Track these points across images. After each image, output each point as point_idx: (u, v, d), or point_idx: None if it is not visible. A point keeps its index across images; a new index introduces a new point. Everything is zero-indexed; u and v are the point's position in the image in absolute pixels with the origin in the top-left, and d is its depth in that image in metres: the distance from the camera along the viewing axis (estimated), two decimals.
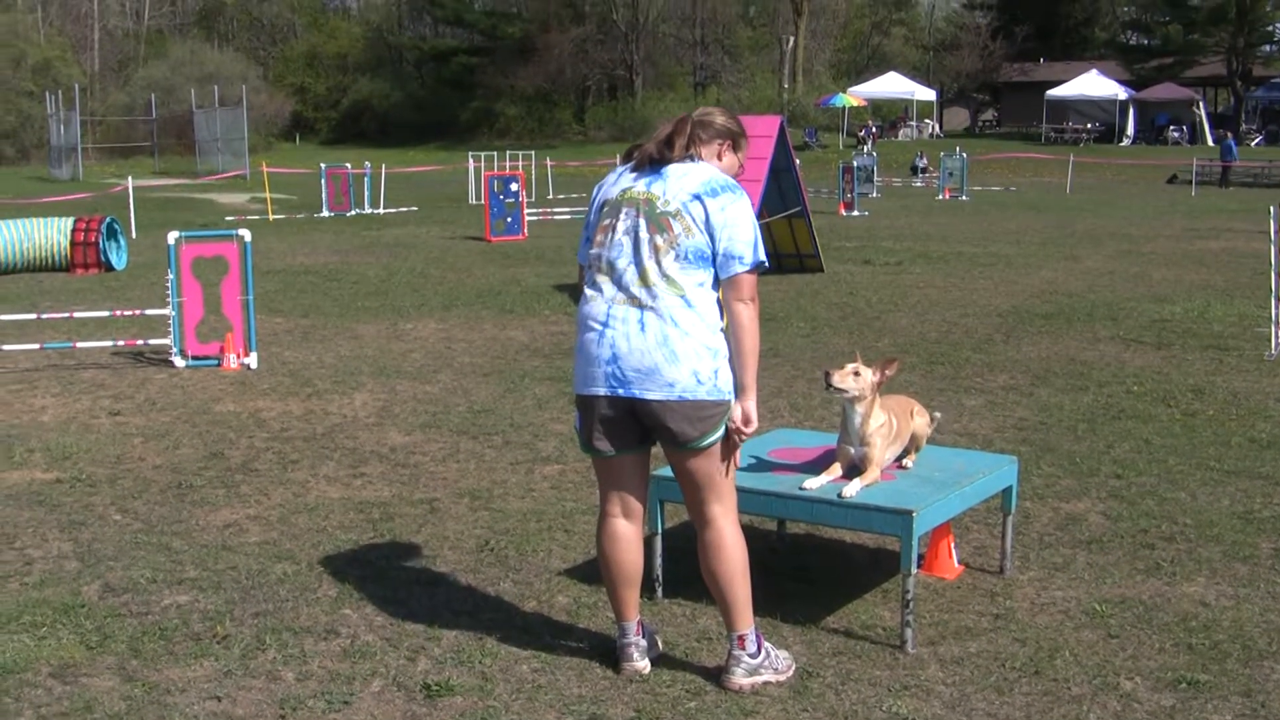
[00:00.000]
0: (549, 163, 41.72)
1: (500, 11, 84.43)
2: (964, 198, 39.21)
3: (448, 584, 6.25)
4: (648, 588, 5.99)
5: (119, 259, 20.98)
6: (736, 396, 5.01)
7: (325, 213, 33.67)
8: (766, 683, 5.08)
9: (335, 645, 5.51)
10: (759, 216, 15.88)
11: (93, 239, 20.31)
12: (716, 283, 4.92)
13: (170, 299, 12.24)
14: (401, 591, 6.17)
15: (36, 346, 12.61)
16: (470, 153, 40.56)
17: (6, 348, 12.53)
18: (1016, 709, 4.90)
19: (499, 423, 9.71)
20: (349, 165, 35.63)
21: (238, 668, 5.31)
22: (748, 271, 4.86)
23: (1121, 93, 64.69)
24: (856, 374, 5.69)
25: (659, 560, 5.98)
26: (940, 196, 39.96)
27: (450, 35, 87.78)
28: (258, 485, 8.06)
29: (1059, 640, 5.53)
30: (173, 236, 12.32)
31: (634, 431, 5.03)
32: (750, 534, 6.96)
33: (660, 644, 5.40)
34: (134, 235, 26.34)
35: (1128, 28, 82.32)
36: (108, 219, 21.21)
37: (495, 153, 40.65)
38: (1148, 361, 12.07)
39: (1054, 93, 65.77)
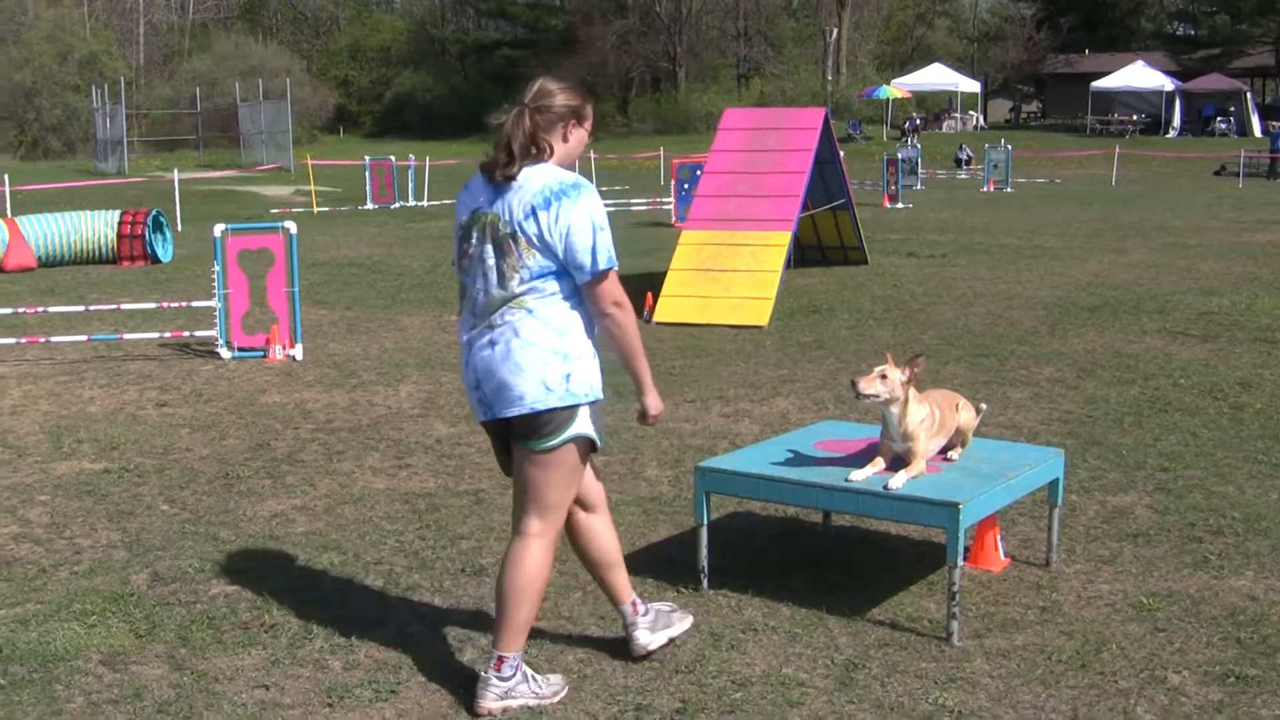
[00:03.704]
0: (592, 155, 41.67)
1: (543, 4, 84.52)
2: (1008, 190, 39.05)
3: (494, 574, 6.25)
4: (694, 578, 6.00)
5: (165, 251, 21.10)
6: (637, 396, 4.98)
7: (369, 205, 33.82)
8: (523, 705, 4.81)
9: (382, 635, 5.53)
10: (804, 208, 15.89)
11: (139, 231, 20.44)
12: (573, 287, 4.75)
13: (216, 291, 12.31)
14: (448, 582, 6.19)
15: (84, 338, 12.70)
16: None
17: (55, 339, 12.63)
18: (1063, 702, 4.88)
19: None
20: (393, 158, 35.76)
21: (285, 657, 5.34)
22: (594, 280, 4.70)
23: (1168, 84, 64.22)
24: (884, 377, 5.63)
25: (704, 551, 5.98)
26: (984, 189, 39.80)
27: (493, 28, 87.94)
28: (304, 476, 8.11)
29: (1105, 633, 5.51)
30: (218, 229, 12.39)
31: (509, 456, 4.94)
32: (796, 527, 6.99)
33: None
34: (179, 228, 26.48)
35: (1174, 18, 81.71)
36: (153, 212, 21.33)
37: None
38: (1195, 354, 12.00)
39: (1099, 84, 65.33)
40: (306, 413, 9.93)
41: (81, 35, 75.30)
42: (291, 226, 12.36)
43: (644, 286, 14.86)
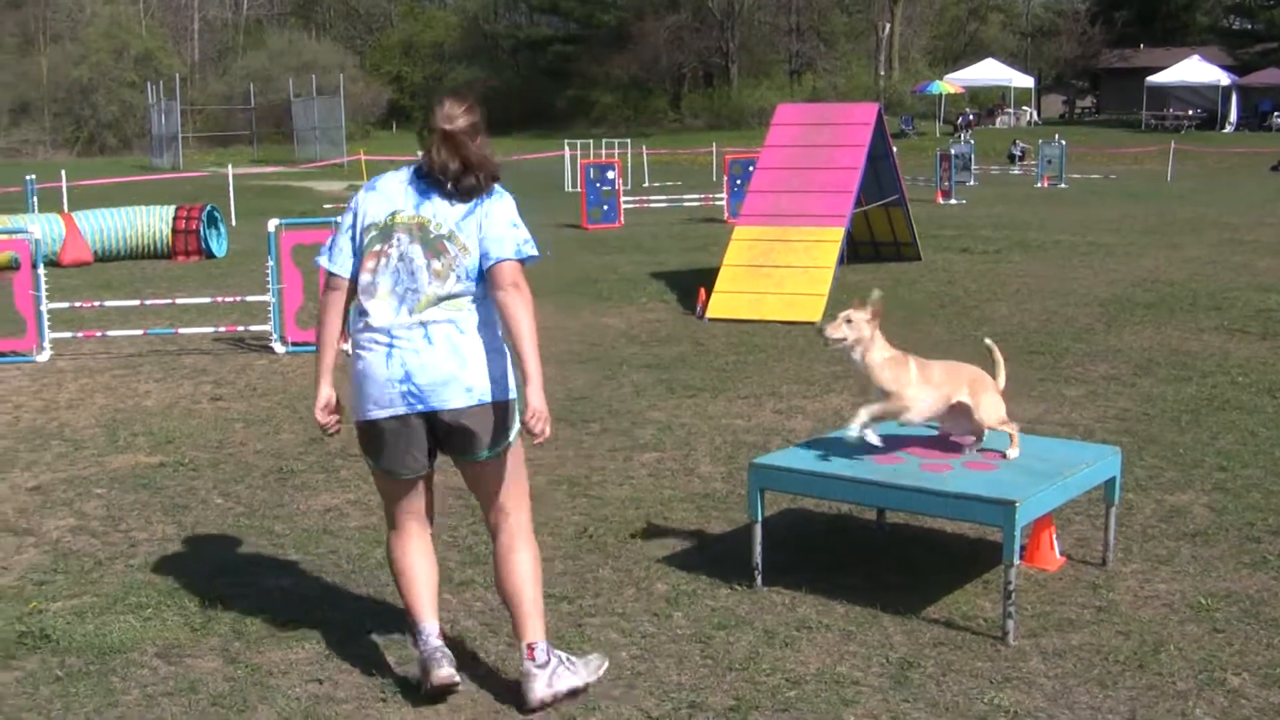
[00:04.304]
0: (645, 151, 41.67)
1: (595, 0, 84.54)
2: (1062, 186, 38.77)
3: (547, 570, 6.21)
4: (748, 575, 5.98)
5: (219, 246, 21.22)
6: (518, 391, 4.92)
7: None
8: (570, 689, 4.89)
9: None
10: (857, 204, 15.82)
11: (194, 226, 20.56)
12: None
13: (270, 286, 12.37)
14: None
15: (140, 332, 12.79)
16: (566, 141, 40.58)
17: (111, 333, 12.73)
18: (1120, 703, 4.84)
19: (596, 409, 9.73)
20: None
21: (338, 651, 5.36)
22: (508, 261, 4.80)
23: (1224, 78, 63.59)
24: (849, 321, 5.70)
25: (758, 549, 5.96)
26: (1038, 184, 39.53)
27: (545, 24, 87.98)
28: (357, 470, 8.12)
29: (1163, 634, 5.45)
30: (272, 224, 12.45)
31: (428, 447, 4.98)
32: (850, 523, 6.96)
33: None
34: (233, 223, 26.63)
35: (1230, 12, 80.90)
36: (208, 207, 21.47)
37: (591, 141, 40.59)
38: (1253, 352, 11.88)
39: (1154, 79, 64.78)
40: None
41: (137, 32, 75.89)
42: None
43: (697, 282, 14.85)
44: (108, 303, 14.07)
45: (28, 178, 27.50)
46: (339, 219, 5.16)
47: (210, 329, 12.92)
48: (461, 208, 4.82)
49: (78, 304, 13.49)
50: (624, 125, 69.20)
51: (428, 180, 4.90)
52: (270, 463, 8.39)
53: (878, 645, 5.35)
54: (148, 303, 14.33)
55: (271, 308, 12.37)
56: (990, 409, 5.98)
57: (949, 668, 5.13)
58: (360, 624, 5.63)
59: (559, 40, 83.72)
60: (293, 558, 6.55)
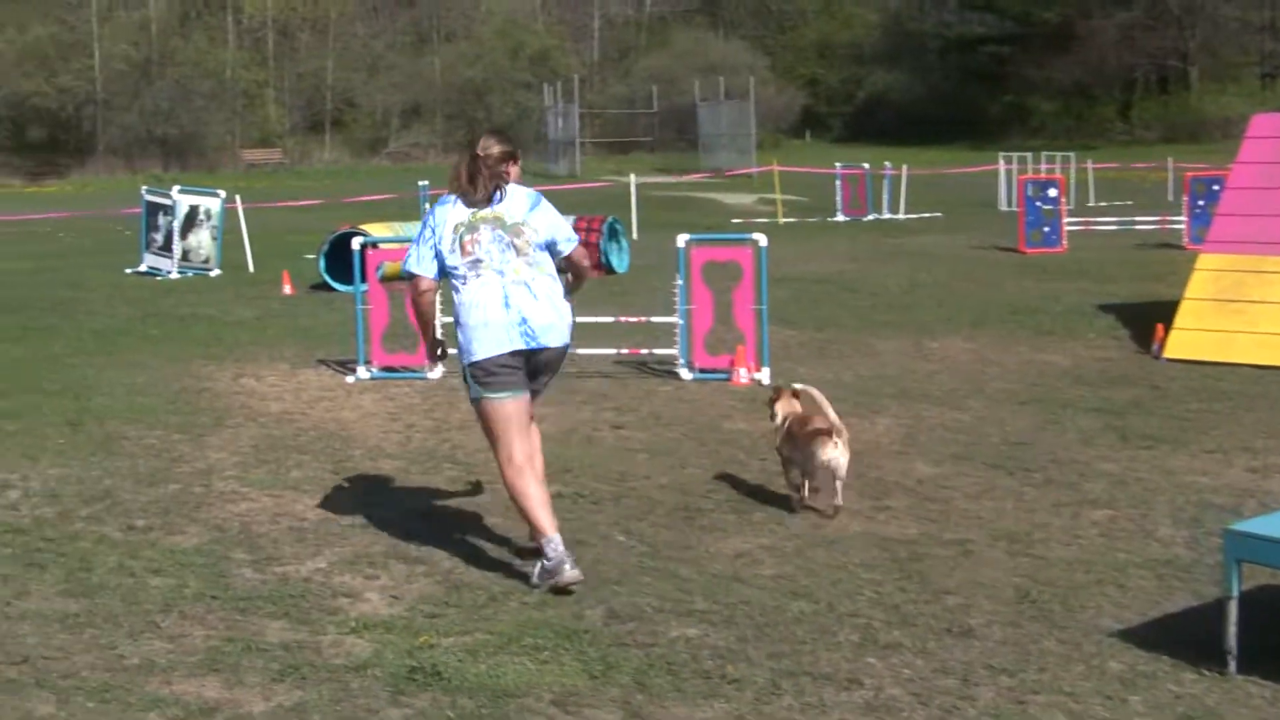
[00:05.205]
0: (1090, 165, 40.80)
1: None
2: None
3: (983, 637, 6.16)
4: (1219, 659, 5.74)
5: (620, 261, 21.73)
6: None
7: (840, 217, 34.03)
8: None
9: (858, 697, 5.51)
10: None
11: (593, 239, 21.07)
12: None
13: (678, 306, 12.57)
14: (931, 642, 6.12)
15: None
16: (1001, 153, 40.12)
17: None
18: None
19: (1038, 458, 9.54)
20: (867, 165, 35.86)
21: (750, 713, 5.38)
22: (577, 245, 7.50)
23: None
24: None
25: (1232, 630, 5.70)
26: None
27: (977, 21, 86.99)
28: (771, 513, 8.17)
29: None
30: (682, 239, 12.66)
31: (527, 377, 7.22)
32: None
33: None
34: (635, 236, 27.25)
35: None
36: (609, 219, 22.00)
37: (1029, 154, 40.00)
38: None
39: None
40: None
41: (534, 30, 78.58)
42: (762, 238, 12.51)
43: (1153, 317, 14.40)
44: None
45: (420, 183, 28.78)
46: (419, 231, 7.38)
47: (611, 351, 13.22)
48: (524, 206, 7.28)
49: None
50: (1065, 136, 67.91)
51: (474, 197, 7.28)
52: (676, 499, 8.51)
53: None
54: None
55: (679, 330, 12.57)
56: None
57: None
58: (775, 685, 5.64)
59: (992, 40, 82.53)
60: (700, 606, 6.62)
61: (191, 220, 23.27)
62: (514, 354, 7.07)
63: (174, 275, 22.71)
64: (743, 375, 12.25)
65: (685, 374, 12.44)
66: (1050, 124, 74.07)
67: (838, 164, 36.41)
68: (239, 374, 13.07)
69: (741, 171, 49.90)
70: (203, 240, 23.37)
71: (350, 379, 12.64)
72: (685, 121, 67.23)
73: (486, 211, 7.22)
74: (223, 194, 24.11)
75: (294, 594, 6.83)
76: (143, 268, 23.45)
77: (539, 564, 6.92)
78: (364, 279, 12.89)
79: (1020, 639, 6.18)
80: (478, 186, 7.24)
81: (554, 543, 6.84)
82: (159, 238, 23.47)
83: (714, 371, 12.38)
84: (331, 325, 15.98)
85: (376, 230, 19.18)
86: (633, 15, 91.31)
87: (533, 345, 7.09)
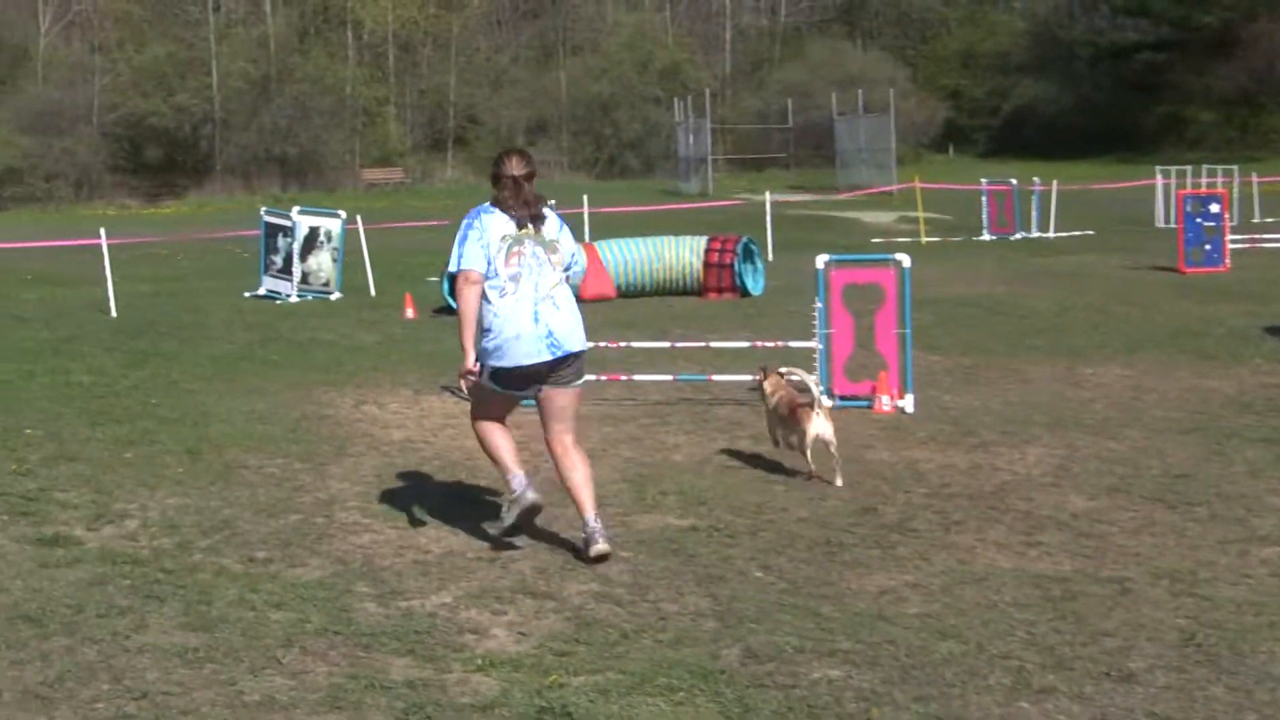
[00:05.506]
0: (1255, 179, 40.22)
1: None
2: None
3: (1145, 682, 6.04)
4: None
5: (755, 283, 21.70)
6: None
7: (986, 235, 33.83)
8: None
9: None
10: None
11: (728, 260, 21.08)
12: None
13: (817, 330, 12.51)
14: (1089, 686, 6.00)
15: (669, 378, 13.17)
16: (1158, 167, 39.66)
17: (637, 377, 13.15)
18: None
19: (1202, 491, 9.37)
20: (1014, 181, 35.58)
21: None
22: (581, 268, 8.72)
23: None
24: None
25: None
26: None
27: (1131, 28, 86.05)
28: (916, 548, 8.09)
29: None
30: (821, 260, 12.60)
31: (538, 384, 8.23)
32: None
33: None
34: (770, 257, 27.20)
35: None
36: (744, 239, 21.97)
37: (1188, 167, 39.49)
38: None
39: None
40: (919, 474, 9.94)
41: (663, 43, 78.89)
42: (905, 259, 12.42)
43: None
44: (634, 343, 14.54)
45: (548, 203, 28.89)
46: (460, 234, 8.19)
47: (747, 377, 13.12)
48: (556, 226, 8.35)
49: (602, 344, 13.98)
50: (1227, 148, 66.93)
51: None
52: (816, 533, 8.45)
53: None
54: (678, 345, 14.74)
55: (818, 355, 12.50)
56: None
57: None
58: None
59: (1147, 47, 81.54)
60: (843, 645, 6.55)
61: (311, 242, 23.44)
62: (535, 365, 8.09)
63: (294, 299, 22.86)
64: (885, 402, 12.16)
65: (827, 401, 12.33)
66: (1211, 135, 72.96)
67: (983, 180, 36.23)
68: (360, 401, 13.17)
69: (882, 189, 49.68)
70: (323, 262, 23.55)
71: None
72: (822, 137, 67.15)
73: (529, 228, 8.23)
74: (343, 214, 24.30)
75: (419, 629, 6.84)
76: (261, 291, 23.72)
77: (506, 502, 8.33)
78: None
79: (1185, 685, 6.05)
80: (528, 205, 8.24)
81: (518, 477, 8.23)
82: (278, 260, 23.69)
83: (855, 399, 12.30)
84: (455, 350, 15.97)
85: None
86: (766, 26, 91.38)
87: (557, 354, 8.09)
